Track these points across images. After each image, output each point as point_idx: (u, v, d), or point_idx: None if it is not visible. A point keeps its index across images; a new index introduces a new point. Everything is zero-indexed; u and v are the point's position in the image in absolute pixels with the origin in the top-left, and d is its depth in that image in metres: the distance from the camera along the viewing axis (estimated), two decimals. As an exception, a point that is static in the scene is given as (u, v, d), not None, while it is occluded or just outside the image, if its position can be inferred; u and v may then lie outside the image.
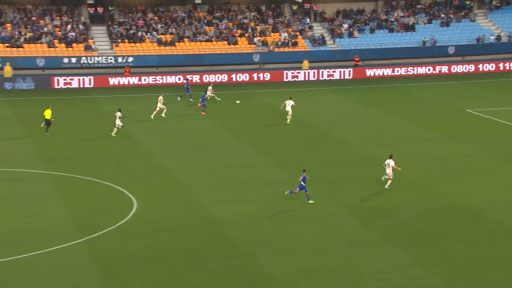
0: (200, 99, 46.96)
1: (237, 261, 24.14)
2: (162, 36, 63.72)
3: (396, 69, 60.76)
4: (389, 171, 30.98)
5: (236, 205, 29.56)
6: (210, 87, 50.35)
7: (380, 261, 23.87)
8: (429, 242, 25.34)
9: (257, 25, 66.55)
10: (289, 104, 43.85)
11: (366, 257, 24.22)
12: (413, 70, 61.02)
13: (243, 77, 59.39)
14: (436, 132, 40.99)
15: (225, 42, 64.19)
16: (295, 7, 68.82)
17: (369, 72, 60.78)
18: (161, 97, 45.67)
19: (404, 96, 52.26)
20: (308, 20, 68.10)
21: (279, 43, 64.83)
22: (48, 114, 40.92)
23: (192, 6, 67.30)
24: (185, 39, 63.83)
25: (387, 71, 60.68)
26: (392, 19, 68.35)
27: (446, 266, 23.39)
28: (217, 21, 66.36)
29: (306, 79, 59.78)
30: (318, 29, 68.14)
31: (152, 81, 58.41)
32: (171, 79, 58.60)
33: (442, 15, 69.17)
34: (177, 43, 63.36)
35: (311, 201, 29.30)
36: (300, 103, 47.30)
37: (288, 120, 43.54)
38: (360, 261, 23.92)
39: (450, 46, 65.54)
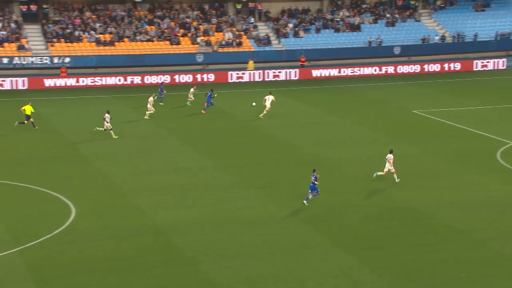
0: (206, 99, 46.87)
1: (182, 268, 23.92)
2: (101, 35, 62.87)
3: (342, 70, 61.45)
4: (388, 165, 32.08)
5: (181, 210, 29.33)
6: (192, 89, 49.63)
7: (328, 266, 24.00)
8: (376, 245, 25.61)
9: (200, 25, 66.39)
10: (269, 99, 44.54)
11: (313, 262, 24.32)
12: (360, 70, 61.81)
13: (186, 78, 59.08)
14: (383, 133, 41.57)
15: (167, 42, 63.80)
16: (239, 6, 68.93)
17: (316, 73, 61.31)
18: (151, 98, 45.45)
19: (351, 97, 52.86)
20: (252, 19, 68.30)
21: (223, 43, 64.80)
22: (28, 109, 41.75)
23: (132, 4, 66.66)
24: (125, 39, 63.14)
25: (334, 72, 61.33)
26: (338, 19, 69.18)
27: (393, 269, 23.68)
28: (159, 20, 65.90)
29: (252, 80, 59.88)
30: (263, 29, 68.44)
31: (91, 82, 57.56)
32: (111, 80, 57.85)
33: (388, 15, 70.40)
34: (116, 43, 62.62)
35: (305, 202, 29.32)
36: (246, 105, 47.40)
37: (262, 115, 44.29)
38: (307, 266, 24.00)
39: (396, 46, 66.72)
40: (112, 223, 27.72)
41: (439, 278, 22.99)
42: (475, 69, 62.45)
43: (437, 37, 68.22)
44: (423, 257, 24.51)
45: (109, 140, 40.11)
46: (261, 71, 60.34)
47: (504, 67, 62.86)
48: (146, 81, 57.60)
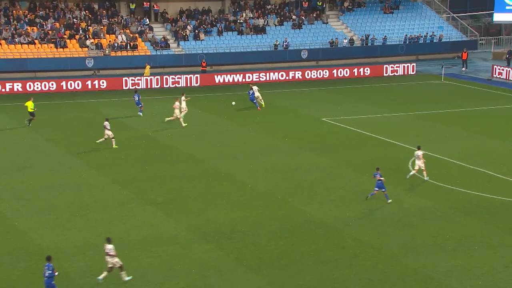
0: (250, 97, 50.05)
1: (70, 296, 23.43)
2: (-27, 37, 60.89)
3: (247, 75, 61.83)
4: (419, 162, 33.76)
5: (69, 231, 28.71)
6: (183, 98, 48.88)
7: (234, 287, 24.10)
8: (284, 263, 25.93)
9: (89, 26, 65.35)
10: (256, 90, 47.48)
11: (217, 283, 24.36)
12: (266, 75, 62.37)
13: (75, 84, 57.83)
14: (290, 142, 42.19)
15: (52, 45, 62.46)
16: (132, 6, 68.41)
17: (218, 79, 61.48)
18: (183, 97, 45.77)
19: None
20: (147, 20, 67.90)
21: (116, 46, 64.04)
22: (30, 105, 44.26)
23: (8, 2, 64.73)
24: (2, 41, 61.29)
25: (238, 77, 61.66)
26: (241, 21, 69.74)
27: (303, 288, 24.07)
28: (41, 20, 64.41)
29: (149, 86, 59.31)
30: (160, 31, 68.16)
31: (-37, 90, 55.60)
32: (-14, 87, 56.01)
33: (294, 17, 71.60)
34: (-7, 46, 60.79)
35: (390, 200, 31.69)
36: (143, 114, 47.11)
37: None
38: (211, 288, 24.05)
39: (303, 50, 67.93)
40: (-10, 248, 26.81)
41: (350, 296, 23.55)
42: (385, 74, 64.43)
43: (345, 40, 69.99)
44: (334, 274, 25.01)
45: (-13, 155, 38.87)
46: (159, 77, 59.90)
47: (414, 72, 65.20)
48: (28, 88, 56.01)
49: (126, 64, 63.24)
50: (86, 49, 63.07)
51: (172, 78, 60.25)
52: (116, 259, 24.33)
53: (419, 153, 34.63)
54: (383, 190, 31.76)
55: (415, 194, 33.18)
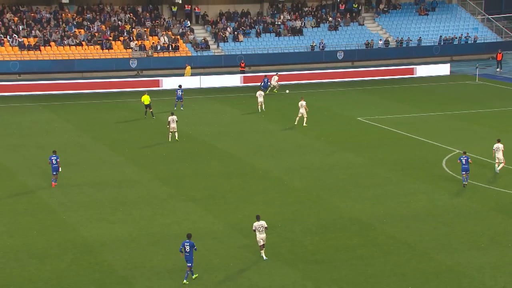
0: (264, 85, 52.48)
1: (114, 287, 23.70)
2: (24, 39, 61.85)
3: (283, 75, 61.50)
4: (499, 155, 34.34)
5: (113, 225, 29.07)
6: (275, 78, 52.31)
7: (270, 280, 24.16)
8: (319, 258, 25.93)
9: (133, 28, 65.99)
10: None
11: (255, 277, 24.45)
12: (301, 76, 62.08)
13: (120, 85, 58.24)
14: (326, 141, 42.10)
15: (98, 47, 63.22)
16: (174, 9, 68.82)
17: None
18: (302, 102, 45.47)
19: (292, 104, 53.28)
20: (189, 23, 68.30)
21: (158, 47, 64.57)
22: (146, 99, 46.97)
23: (58, 6, 65.74)
24: (52, 43, 62.27)
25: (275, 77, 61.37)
26: (279, 22, 69.77)
27: (338, 282, 24.01)
28: (88, 23, 65.28)
29: (190, 87, 59.33)
30: (201, 33, 68.50)
31: (15, 90, 56.47)
32: (36, 87, 56.83)
33: (330, 19, 71.40)
34: (42, 47, 61.74)
35: (465, 183, 33.10)
36: (183, 114, 47.47)
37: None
38: (247, 282, 24.12)
39: (339, 51, 67.70)
40: (33, 241, 27.26)
41: (384, 291, 23.47)
42: (419, 75, 63.87)
43: (380, 42, 69.59)
44: (368, 270, 24.93)
45: (30, 151, 39.53)
46: (200, 77, 60.04)
47: (448, 73, 64.54)
48: (74, 89, 56.75)
49: (167, 65, 63.69)
50: (130, 50, 63.68)
51: (212, 78, 60.09)
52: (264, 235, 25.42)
53: (500, 146, 35.00)
54: (467, 172, 33.29)
55: (449, 192, 32.89)
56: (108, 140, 42.54)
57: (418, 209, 30.93)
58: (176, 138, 41.60)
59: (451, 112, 49.72)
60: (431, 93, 56.93)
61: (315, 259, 25.88)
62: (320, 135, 43.47)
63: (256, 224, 25.62)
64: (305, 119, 45.14)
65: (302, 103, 45.24)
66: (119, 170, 36.42)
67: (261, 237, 25.56)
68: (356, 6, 73.04)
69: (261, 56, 66.21)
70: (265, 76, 56.45)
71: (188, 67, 60.94)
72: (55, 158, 33.52)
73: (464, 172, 33.13)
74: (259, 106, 49.30)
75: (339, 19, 71.39)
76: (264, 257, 25.59)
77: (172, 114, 41.81)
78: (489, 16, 75.49)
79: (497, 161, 35.06)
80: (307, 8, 72.38)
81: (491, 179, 34.52)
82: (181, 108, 49.40)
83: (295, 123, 45.26)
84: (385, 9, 74.02)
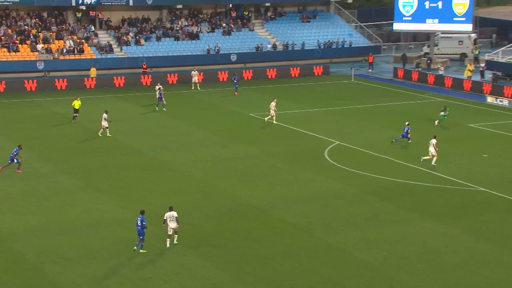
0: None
1: (25, 273, 22.90)
2: None
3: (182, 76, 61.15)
4: (431, 149, 34.77)
5: (23, 216, 28.01)
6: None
7: (171, 263, 24.00)
8: (218, 242, 25.96)
9: (40, 32, 63.74)
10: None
11: (157, 260, 24.22)
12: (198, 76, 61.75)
13: (30, 84, 56.12)
14: (223, 136, 42.17)
15: (5, 49, 60.61)
16: (79, 15, 67.03)
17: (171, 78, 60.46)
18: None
19: (191, 102, 53.09)
20: (93, 27, 66.67)
21: (64, 50, 62.71)
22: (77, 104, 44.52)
23: (-37, 11, 62.61)
24: (-41, 46, 59.25)
25: (173, 79, 61.02)
26: (177, 28, 69.37)
27: (235, 263, 24.12)
28: (-6, 27, 62.47)
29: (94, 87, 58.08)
30: (104, 37, 67.05)
31: None
32: None
33: (224, 25, 71.60)
34: (-51, 50, 58.56)
35: (410, 141, 38.24)
36: (89, 111, 46.32)
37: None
38: (152, 265, 23.87)
39: (232, 54, 67.99)
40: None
41: (276, 269, 23.75)
42: (304, 75, 64.97)
43: (269, 45, 70.39)
44: (261, 250, 25.18)
45: None
46: (104, 77, 58.90)
47: (328, 73, 66.04)
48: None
49: (74, 67, 62.04)
50: (37, 53, 61.47)
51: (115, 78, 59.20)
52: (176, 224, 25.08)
53: (434, 141, 35.42)
54: (406, 137, 38.35)
55: (330, 179, 33.66)
56: (17, 137, 40.90)
57: (305, 194, 31.49)
58: (108, 134, 40.64)
59: (332, 108, 50.89)
60: (314, 91, 58.02)
61: (215, 242, 25.90)
62: (217, 130, 43.48)
63: (167, 214, 25.32)
64: (273, 118, 44.91)
65: (272, 104, 44.96)
66: (30, 165, 35.11)
67: (171, 226, 25.27)
68: (246, 13, 73.59)
69: (161, 58, 65.56)
70: (235, 74, 56.12)
71: (93, 68, 59.57)
72: None
73: (401, 137, 38.42)
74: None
75: (232, 25, 71.66)
76: (169, 244, 25.27)
77: (106, 112, 40.85)
78: (361, 24, 77.75)
79: (429, 155, 35.57)
80: (202, 15, 72.25)
81: (366, 167, 35.55)
82: (163, 109, 48.41)
83: (266, 120, 45.11)
84: (272, 16, 74.90)
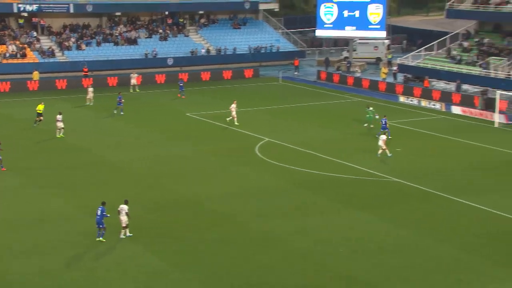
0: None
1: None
2: None
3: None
4: (381, 142, 35.36)
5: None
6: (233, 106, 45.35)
7: (114, 254, 23.61)
8: (159, 232, 25.70)
9: (-18, 37, 61.39)
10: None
11: (100, 251, 23.76)
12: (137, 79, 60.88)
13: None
14: (162, 135, 41.70)
15: (-50, 54, 58.06)
16: (21, 21, 64.94)
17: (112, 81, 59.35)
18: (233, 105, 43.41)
19: (133, 104, 52.25)
20: (35, 33, 64.71)
21: (7, 55, 60.61)
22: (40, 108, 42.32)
23: None
24: None
25: (113, 81, 59.99)
26: (117, 34, 68.24)
27: (174, 252, 23.93)
28: None
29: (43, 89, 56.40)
30: (46, 42, 65.21)
31: None
32: None
33: (160, 31, 70.88)
34: None
35: (390, 137, 38.64)
36: (33, 111, 44.98)
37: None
38: (95, 255, 23.40)
39: (169, 58, 67.36)
40: None
41: (214, 256, 23.69)
42: (235, 78, 65.00)
43: (203, 50, 70.10)
44: (199, 240, 25.06)
45: None
46: (46, 80, 57.28)
47: (258, 76, 66.31)
48: None
49: (17, 70, 60.05)
50: (-20, 57, 59.21)
51: (58, 82, 57.59)
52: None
53: (383, 136, 35.73)
54: (386, 130, 38.60)
55: (261, 173, 33.79)
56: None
57: (239, 188, 31.51)
58: (61, 134, 39.63)
59: (262, 108, 51.08)
60: (245, 92, 58.12)
61: (155, 233, 25.63)
62: (156, 129, 42.97)
63: (120, 207, 25.04)
64: (234, 119, 44.27)
65: (233, 105, 44.37)
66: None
67: (121, 218, 24.88)
68: (182, 20, 73.05)
69: (102, 62, 64.27)
70: (181, 79, 55.34)
71: (36, 72, 57.91)
72: None
73: (382, 130, 38.52)
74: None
75: (168, 31, 70.98)
76: (122, 236, 24.93)
77: (60, 114, 39.82)
78: (287, 31, 78.40)
79: (381, 149, 35.91)
80: (140, 22, 71.28)
81: (294, 161, 35.84)
82: (121, 113, 46.80)
83: (228, 121, 44.38)
84: (205, 23, 74.60)
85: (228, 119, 44.61)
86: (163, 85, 60.88)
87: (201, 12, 74.23)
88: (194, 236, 25.38)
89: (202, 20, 74.58)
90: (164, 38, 70.09)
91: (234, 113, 44.55)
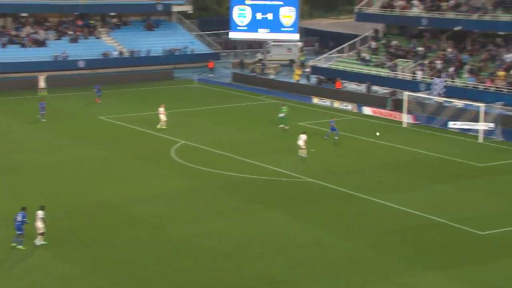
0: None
1: None
2: None
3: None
4: (301, 142, 35.49)
5: None
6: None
7: (24, 262, 23.00)
8: (70, 239, 25.18)
9: None
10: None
11: (10, 259, 23.14)
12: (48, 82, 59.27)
13: None
14: (75, 138, 40.80)
15: None
16: None
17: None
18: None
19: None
20: None
21: None
22: None
23: None
24: None
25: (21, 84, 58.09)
26: (23, 35, 66.00)
27: (88, 258, 23.55)
28: None
29: None
30: None
31: None
32: None
33: (70, 32, 69.21)
34: None
35: (337, 137, 39.45)
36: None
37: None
38: (4, 263, 22.83)
39: (80, 60, 65.92)
40: None
41: (132, 261, 23.51)
42: (150, 80, 64.45)
43: (116, 52, 69.02)
44: (116, 245, 24.78)
45: None
46: None
47: (172, 78, 66.05)
48: None
49: None
50: None
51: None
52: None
53: (303, 136, 35.98)
54: (336, 131, 39.64)
55: (178, 175, 33.77)
56: None
57: (155, 191, 31.36)
58: None
59: (177, 110, 50.92)
60: (160, 95, 57.70)
61: (68, 239, 25.12)
62: (69, 133, 42.00)
63: (36, 213, 24.58)
64: (163, 123, 43.49)
65: (161, 109, 43.43)
66: None
67: (36, 224, 24.36)
68: (92, 22, 71.58)
69: (8, 64, 62.00)
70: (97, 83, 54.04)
71: None
72: None
73: (331, 131, 39.79)
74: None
75: (78, 33, 69.38)
76: (38, 243, 24.38)
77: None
78: (201, 33, 78.51)
79: (302, 150, 36.30)
80: (49, 23, 69.25)
81: (211, 164, 36.04)
82: (43, 120, 45.06)
83: (159, 127, 43.38)
84: (118, 23, 73.53)
85: (158, 125, 43.90)
86: (75, 88, 59.48)
87: (112, 13, 73.05)
88: (110, 241, 25.06)
89: (114, 20, 73.40)
90: (74, 40, 68.46)
91: (163, 116, 44.05)
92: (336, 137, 40.14)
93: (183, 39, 75.02)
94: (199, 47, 74.89)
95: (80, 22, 70.56)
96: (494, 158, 37.36)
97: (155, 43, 72.80)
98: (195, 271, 22.86)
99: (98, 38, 70.50)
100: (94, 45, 69.07)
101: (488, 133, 41.96)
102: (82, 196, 30.20)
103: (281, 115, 44.53)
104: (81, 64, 65.84)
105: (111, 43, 70.96)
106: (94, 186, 31.64)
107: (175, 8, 76.09)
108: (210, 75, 68.17)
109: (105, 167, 34.87)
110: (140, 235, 25.81)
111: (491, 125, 41.98)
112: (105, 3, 71.62)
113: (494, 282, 22.05)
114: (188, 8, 77.32)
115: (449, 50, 55.59)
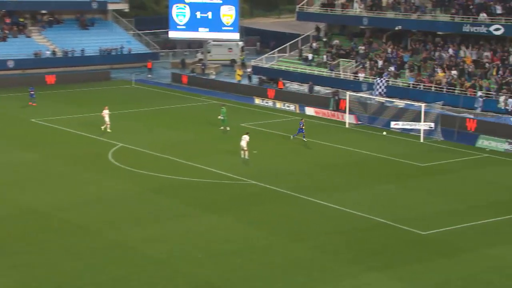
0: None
1: None
2: None
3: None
4: (243, 143, 35.43)
5: None
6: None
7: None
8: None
9: None
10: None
11: None
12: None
13: None
14: (3, 141, 39.41)
15: None
16: None
17: None
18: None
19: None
20: None
21: None
22: None
23: None
24: None
25: None
26: None
27: (16, 269, 22.70)
28: None
29: None
30: None
31: None
32: None
33: (-1, 30, 67.09)
34: None
35: (305, 139, 40.06)
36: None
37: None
38: None
39: (9, 60, 63.94)
40: None
41: (63, 270, 22.81)
42: (85, 81, 63.10)
43: (48, 52, 67.25)
44: (46, 253, 23.98)
45: None
46: None
47: (109, 79, 64.87)
48: None
49: None
50: None
51: None
52: None
53: (246, 137, 35.84)
54: (302, 132, 40.37)
55: (115, 179, 33.07)
56: None
57: (90, 195, 30.60)
58: None
59: (114, 112, 49.90)
60: (96, 96, 56.56)
61: (-4, 249, 24.12)
62: (-5, 137, 40.58)
63: None
64: (107, 125, 42.41)
65: (106, 111, 42.31)
66: None
67: None
68: (22, 20, 69.50)
69: None
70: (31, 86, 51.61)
71: None
72: None
73: (299, 132, 40.48)
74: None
75: (6, 31, 67.22)
76: None
77: None
78: (139, 32, 77.46)
79: (244, 150, 35.93)
80: (-25, 21, 66.80)
81: (149, 166, 35.46)
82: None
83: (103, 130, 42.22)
84: (50, 20, 71.68)
85: (102, 127, 42.91)
86: (3, 89, 57.57)
87: (43, 11, 71.12)
88: (40, 250, 24.21)
89: (46, 17, 71.48)
90: (3, 39, 66.34)
91: (107, 118, 43.07)
92: (304, 139, 40.40)
93: (120, 39, 73.84)
94: (137, 47, 73.88)
95: (8, 20, 68.42)
96: (435, 157, 38.19)
97: (90, 42, 71.35)
98: (131, 279, 22.30)
99: (28, 37, 68.53)
100: (24, 44, 67.13)
101: (428, 133, 42.89)
102: (13, 202, 29.11)
103: (220, 116, 44.25)
104: (11, 64, 63.89)
105: (42, 42, 69.14)
106: (27, 192, 30.60)
107: (111, 6, 74.82)
108: (149, 75, 67.33)
109: (38, 172, 33.81)
110: (74, 242, 25.06)
111: (432, 125, 42.94)
112: (36, 0, 69.71)
113: (435, 281, 22.42)
114: (125, 6, 76.17)
115: (389, 49, 56.63)
